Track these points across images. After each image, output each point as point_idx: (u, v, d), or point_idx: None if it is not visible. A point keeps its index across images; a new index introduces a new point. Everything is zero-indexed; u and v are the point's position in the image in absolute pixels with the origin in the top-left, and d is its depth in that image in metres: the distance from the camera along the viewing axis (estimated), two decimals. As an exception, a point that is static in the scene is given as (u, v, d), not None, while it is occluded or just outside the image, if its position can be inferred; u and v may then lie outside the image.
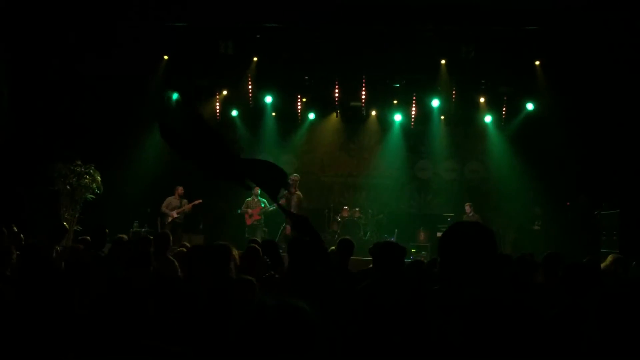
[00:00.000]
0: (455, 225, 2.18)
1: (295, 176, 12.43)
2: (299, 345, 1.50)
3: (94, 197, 10.87)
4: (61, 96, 11.59)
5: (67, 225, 9.18)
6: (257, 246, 5.68)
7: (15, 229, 7.21)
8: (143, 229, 11.48)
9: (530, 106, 13.85)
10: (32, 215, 10.12)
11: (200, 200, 12.94)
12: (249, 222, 13.00)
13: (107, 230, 6.88)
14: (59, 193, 10.53)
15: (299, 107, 14.91)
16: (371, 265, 5.61)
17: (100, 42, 11.12)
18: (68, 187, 10.50)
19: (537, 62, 12.63)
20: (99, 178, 10.89)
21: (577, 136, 12.47)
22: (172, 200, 12.59)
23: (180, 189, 12.65)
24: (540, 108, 13.62)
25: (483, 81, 13.57)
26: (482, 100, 14.16)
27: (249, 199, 13.06)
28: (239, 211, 13.20)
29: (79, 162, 10.76)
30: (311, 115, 15.29)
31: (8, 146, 11.13)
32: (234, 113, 15.24)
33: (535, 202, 13.38)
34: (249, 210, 12.98)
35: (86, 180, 10.66)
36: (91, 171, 10.82)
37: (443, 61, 12.97)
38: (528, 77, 12.85)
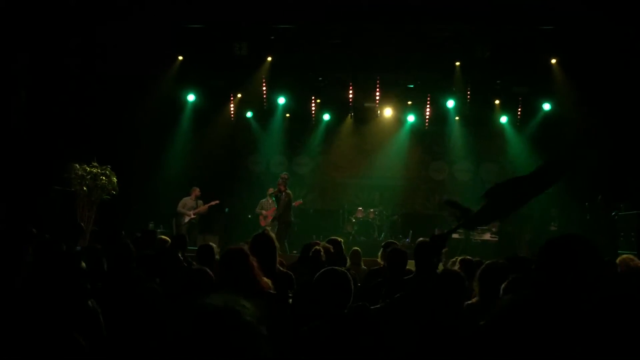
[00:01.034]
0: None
1: (284, 174, 12.40)
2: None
3: (110, 197, 10.93)
4: (77, 97, 11.68)
5: (83, 226, 9.27)
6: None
7: (34, 230, 7.26)
8: (158, 230, 11.53)
9: (547, 106, 13.72)
10: (49, 216, 10.20)
11: (218, 201, 13.02)
12: (263, 223, 13.01)
13: (123, 232, 6.94)
14: (76, 194, 10.60)
15: (313, 108, 14.91)
16: (382, 264, 5.59)
17: (116, 42, 11.18)
18: (85, 188, 10.56)
19: (554, 61, 12.49)
20: (114, 179, 10.94)
21: (594, 136, 12.32)
22: (188, 200, 12.65)
23: (197, 190, 12.73)
24: (557, 107, 13.50)
25: (498, 81, 13.48)
26: (497, 100, 14.07)
27: (263, 199, 13.08)
28: (252, 215, 13.28)
29: (95, 164, 10.82)
30: (326, 117, 15.28)
31: (25, 147, 11.24)
32: (249, 114, 15.29)
33: (552, 203, 13.23)
34: (263, 212, 13.00)
35: (102, 181, 10.72)
36: (107, 172, 10.87)
37: (458, 61, 12.89)
38: (544, 77, 12.73)
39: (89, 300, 2.82)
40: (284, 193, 11.93)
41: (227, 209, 13.81)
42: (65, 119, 11.52)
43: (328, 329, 3.09)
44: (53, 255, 4.79)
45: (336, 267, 3.45)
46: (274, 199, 12.24)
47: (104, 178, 10.76)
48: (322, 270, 3.39)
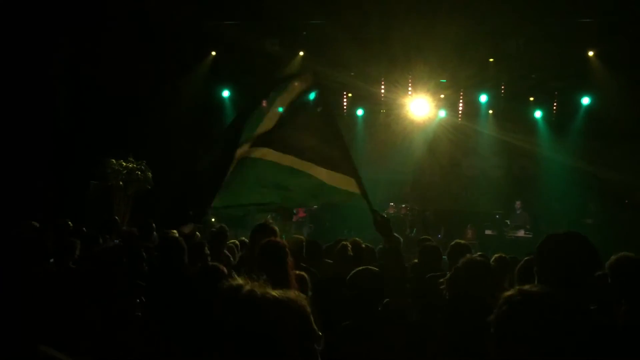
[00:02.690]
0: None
1: None
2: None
3: (145, 192, 11.13)
4: (114, 94, 11.90)
5: (118, 219, 9.45)
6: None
7: (71, 224, 7.43)
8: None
9: (586, 100, 13.43)
10: (86, 211, 10.44)
11: None
12: (294, 218, 13.09)
13: (154, 225, 7.04)
14: (112, 188, 10.82)
15: (345, 103, 14.89)
16: (416, 260, 5.55)
17: (150, 38, 11.36)
18: (120, 182, 10.77)
19: (591, 53, 12.20)
20: (149, 174, 11.13)
21: (633, 131, 11.99)
22: None
23: None
24: (595, 101, 13.21)
25: (533, 76, 13.26)
26: (531, 94, 13.84)
27: (295, 195, 13.14)
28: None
29: (131, 159, 11.03)
30: (359, 112, 15.24)
31: (64, 143, 11.52)
32: (279, 109, 15.33)
33: (589, 198, 12.97)
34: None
35: (138, 176, 10.91)
36: (142, 167, 11.07)
37: (492, 55, 12.72)
38: (581, 71, 12.46)
39: (132, 292, 2.89)
40: None
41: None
42: (102, 116, 11.77)
43: (364, 326, 3.12)
44: (95, 249, 4.93)
45: (371, 267, 3.47)
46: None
47: (139, 173, 10.96)
48: (357, 269, 3.42)
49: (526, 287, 1.85)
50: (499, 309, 1.81)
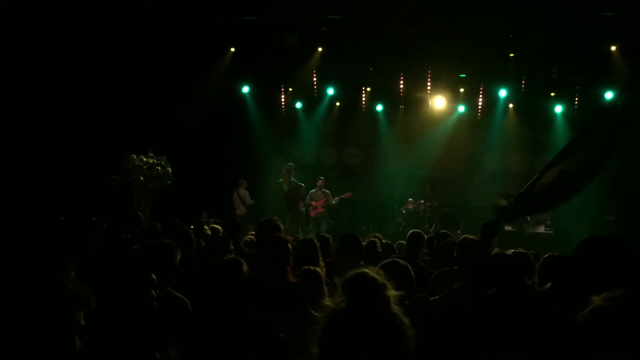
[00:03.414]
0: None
1: (289, 165, 12.55)
2: None
3: (165, 187, 11.23)
4: (135, 90, 12.01)
5: (141, 216, 9.55)
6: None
7: (94, 219, 7.53)
8: (211, 219, 11.78)
9: (609, 95, 13.22)
10: (108, 206, 10.58)
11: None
12: (312, 214, 13.11)
13: (178, 221, 7.14)
14: (133, 184, 10.94)
15: (364, 98, 14.87)
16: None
17: (170, 34, 11.44)
18: (141, 178, 10.89)
19: (614, 48, 12.02)
20: (169, 169, 11.23)
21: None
22: (243, 191, 12.96)
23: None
24: (619, 96, 12.99)
25: (554, 70, 13.10)
26: (552, 89, 13.68)
27: (313, 190, 13.16)
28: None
29: (152, 154, 11.13)
30: (379, 107, 15.20)
31: (86, 139, 11.65)
32: (298, 105, 15.37)
33: (611, 195, 12.79)
34: (313, 203, 13.09)
35: (158, 171, 11.02)
36: (163, 162, 11.17)
37: (512, 50, 12.58)
38: (603, 65, 12.27)
39: (153, 289, 2.92)
40: (287, 183, 12.12)
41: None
42: (122, 111, 11.89)
43: None
44: (116, 244, 5.00)
45: (398, 259, 3.48)
46: (285, 188, 12.35)
47: (159, 168, 11.06)
48: (384, 261, 3.43)
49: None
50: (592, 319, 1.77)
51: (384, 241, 6.00)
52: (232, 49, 13.40)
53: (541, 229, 12.77)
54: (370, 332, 1.59)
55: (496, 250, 3.59)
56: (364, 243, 5.46)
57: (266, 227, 4.48)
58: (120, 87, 11.96)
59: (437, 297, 3.72)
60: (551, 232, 12.61)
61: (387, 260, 3.46)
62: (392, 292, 1.68)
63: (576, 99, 13.60)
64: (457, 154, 15.22)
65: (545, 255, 4.06)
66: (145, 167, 10.94)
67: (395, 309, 1.67)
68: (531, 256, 4.92)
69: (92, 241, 4.98)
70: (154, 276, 2.84)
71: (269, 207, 13.94)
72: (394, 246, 6.86)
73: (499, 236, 12.85)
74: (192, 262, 4.70)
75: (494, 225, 3.64)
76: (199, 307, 3.45)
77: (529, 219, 13.18)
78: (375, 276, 1.69)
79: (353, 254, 5.02)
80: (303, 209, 12.68)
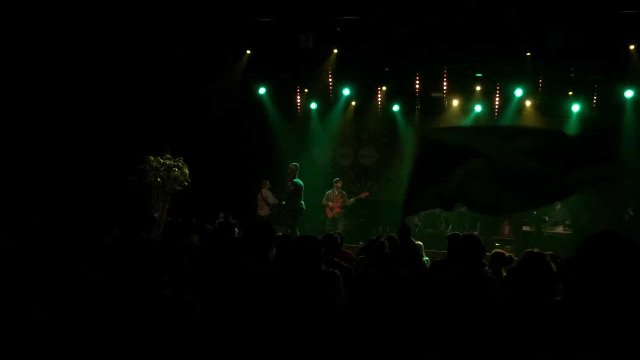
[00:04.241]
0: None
1: (293, 165, 12.51)
2: None
3: (182, 189, 11.31)
4: (151, 93, 12.14)
5: (157, 216, 9.65)
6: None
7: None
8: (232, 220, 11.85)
9: (629, 93, 13.05)
10: (125, 207, 10.69)
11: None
12: (329, 214, 13.12)
13: (194, 220, 7.19)
14: (150, 185, 11.04)
15: (379, 99, 14.84)
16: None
17: (187, 38, 11.54)
18: (158, 179, 10.98)
19: (632, 47, 11.88)
20: (186, 170, 11.31)
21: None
22: (266, 192, 13.05)
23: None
24: (638, 95, 12.83)
25: (572, 69, 12.95)
26: (570, 88, 13.53)
27: (329, 191, 13.18)
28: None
29: (169, 155, 11.22)
30: (395, 107, 15.16)
31: (104, 140, 11.80)
32: (313, 106, 15.38)
33: (631, 194, 12.60)
34: (330, 203, 13.10)
35: (175, 173, 11.10)
36: (180, 164, 11.26)
37: (529, 49, 12.46)
38: (622, 64, 12.12)
39: (165, 289, 2.95)
40: (290, 182, 12.12)
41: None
42: (139, 113, 12.02)
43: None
44: (129, 246, 5.06)
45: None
46: (290, 186, 12.37)
47: (176, 170, 11.15)
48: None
49: None
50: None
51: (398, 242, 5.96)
52: (248, 52, 13.46)
53: (559, 229, 12.62)
54: None
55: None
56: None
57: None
58: (138, 90, 12.12)
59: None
60: (570, 232, 12.47)
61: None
62: None
63: (594, 97, 13.43)
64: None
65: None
66: (162, 168, 11.03)
67: None
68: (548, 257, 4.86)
69: (105, 241, 5.05)
70: (165, 276, 2.87)
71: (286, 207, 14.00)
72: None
73: (517, 237, 12.84)
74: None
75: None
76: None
77: (547, 218, 13.05)
78: None
79: None
80: (303, 207, 12.69)
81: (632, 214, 12.33)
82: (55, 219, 7.44)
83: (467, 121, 14.89)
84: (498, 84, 13.78)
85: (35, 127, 10.68)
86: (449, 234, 6.99)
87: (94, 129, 11.78)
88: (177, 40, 11.76)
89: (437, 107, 14.75)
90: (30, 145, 10.56)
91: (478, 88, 14.11)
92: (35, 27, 10.09)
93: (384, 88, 14.64)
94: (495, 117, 14.44)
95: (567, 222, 12.69)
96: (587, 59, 12.25)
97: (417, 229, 12.88)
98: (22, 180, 10.17)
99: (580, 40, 11.61)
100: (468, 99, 14.45)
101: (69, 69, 11.04)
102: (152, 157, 11.08)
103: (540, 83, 13.17)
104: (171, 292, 2.97)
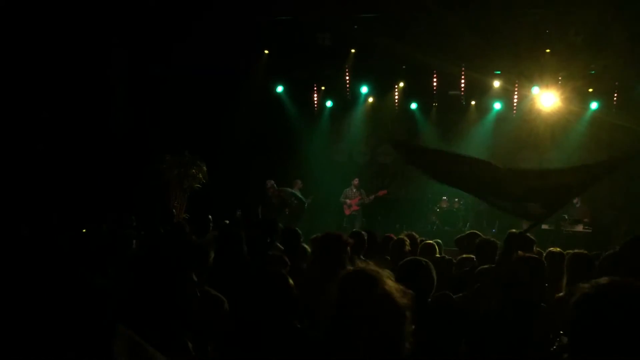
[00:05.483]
0: None
1: (298, 182, 13.19)
2: None
3: (200, 186, 11.40)
4: (171, 92, 12.25)
5: (174, 211, 9.74)
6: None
7: (133, 218, 7.74)
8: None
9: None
10: (144, 205, 10.80)
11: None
12: (347, 212, 13.15)
13: (210, 217, 7.25)
14: (169, 183, 11.15)
15: (397, 96, 14.81)
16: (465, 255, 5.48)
17: (206, 38, 11.61)
18: (177, 177, 11.09)
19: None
20: (204, 168, 11.40)
21: None
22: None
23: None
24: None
25: (592, 65, 12.80)
26: (590, 85, 13.37)
27: (347, 189, 13.20)
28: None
29: (187, 154, 11.32)
30: (413, 105, 15.12)
31: (124, 139, 11.94)
32: (329, 104, 15.39)
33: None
34: (348, 201, 13.12)
35: (193, 171, 11.20)
36: (197, 162, 11.35)
37: (548, 46, 12.34)
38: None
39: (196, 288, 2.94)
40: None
41: (310, 199, 13.80)
42: (159, 113, 12.14)
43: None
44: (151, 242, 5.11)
45: (419, 258, 3.48)
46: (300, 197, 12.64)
47: (194, 167, 11.24)
48: (405, 259, 3.44)
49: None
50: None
51: (419, 239, 5.96)
52: (266, 51, 13.51)
53: (579, 228, 12.49)
54: None
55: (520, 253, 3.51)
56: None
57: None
58: (158, 89, 12.23)
59: (461, 294, 3.71)
60: (589, 230, 12.33)
61: (409, 259, 3.46)
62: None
63: (615, 95, 13.27)
64: (492, 152, 14.97)
65: (573, 252, 4.00)
66: (180, 166, 11.13)
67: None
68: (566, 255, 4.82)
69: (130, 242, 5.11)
70: (194, 276, 2.86)
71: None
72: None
73: (536, 235, 12.69)
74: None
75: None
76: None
77: (566, 216, 12.93)
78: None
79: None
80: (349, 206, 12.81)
81: None
82: (73, 216, 7.56)
83: (487, 119, 14.84)
84: (517, 81, 13.66)
85: (58, 128, 10.84)
86: (466, 232, 6.95)
87: (117, 129, 11.92)
88: (196, 40, 11.84)
89: (455, 104, 14.69)
90: (50, 147, 10.70)
91: (496, 84, 13.99)
92: (62, 29, 10.22)
93: (402, 85, 14.61)
94: (514, 114, 14.33)
95: (587, 220, 12.56)
96: (607, 56, 12.09)
97: (435, 227, 12.86)
98: (45, 179, 10.31)
99: (600, 37, 11.47)
100: (486, 97, 14.36)
101: (94, 70, 11.19)
102: (170, 155, 11.20)
103: (559, 80, 13.03)
104: (202, 291, 2.98)
